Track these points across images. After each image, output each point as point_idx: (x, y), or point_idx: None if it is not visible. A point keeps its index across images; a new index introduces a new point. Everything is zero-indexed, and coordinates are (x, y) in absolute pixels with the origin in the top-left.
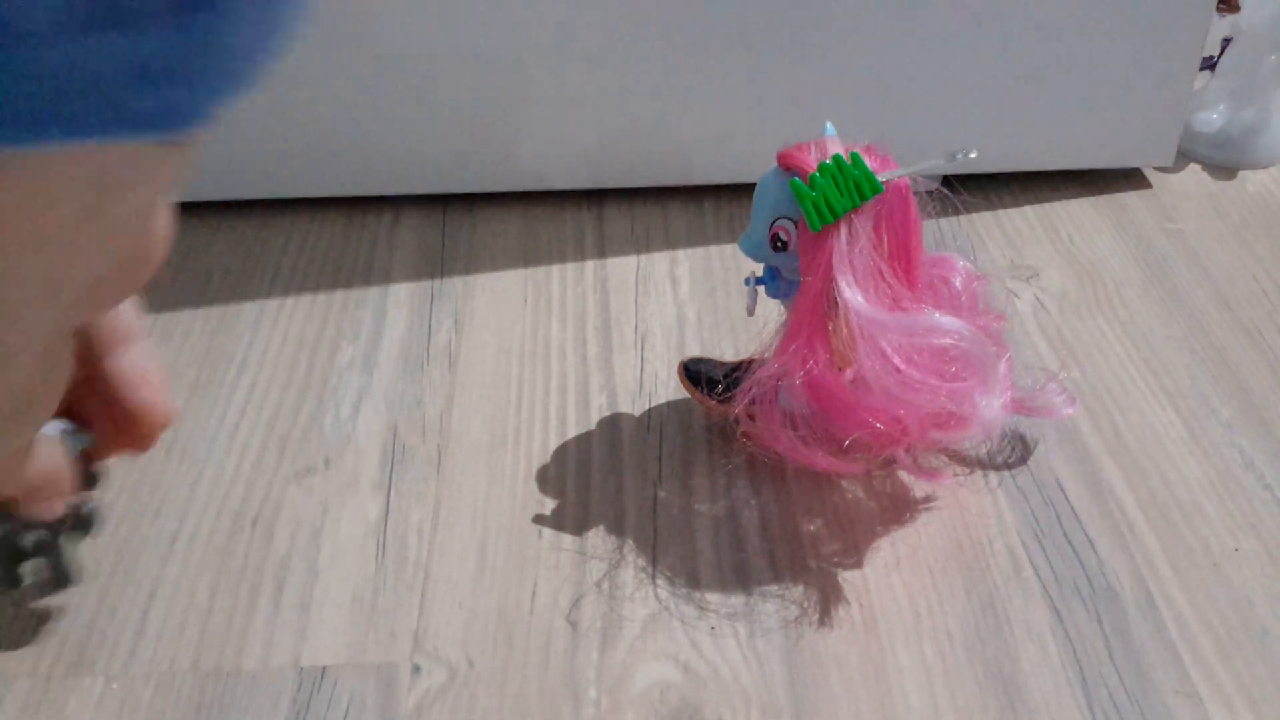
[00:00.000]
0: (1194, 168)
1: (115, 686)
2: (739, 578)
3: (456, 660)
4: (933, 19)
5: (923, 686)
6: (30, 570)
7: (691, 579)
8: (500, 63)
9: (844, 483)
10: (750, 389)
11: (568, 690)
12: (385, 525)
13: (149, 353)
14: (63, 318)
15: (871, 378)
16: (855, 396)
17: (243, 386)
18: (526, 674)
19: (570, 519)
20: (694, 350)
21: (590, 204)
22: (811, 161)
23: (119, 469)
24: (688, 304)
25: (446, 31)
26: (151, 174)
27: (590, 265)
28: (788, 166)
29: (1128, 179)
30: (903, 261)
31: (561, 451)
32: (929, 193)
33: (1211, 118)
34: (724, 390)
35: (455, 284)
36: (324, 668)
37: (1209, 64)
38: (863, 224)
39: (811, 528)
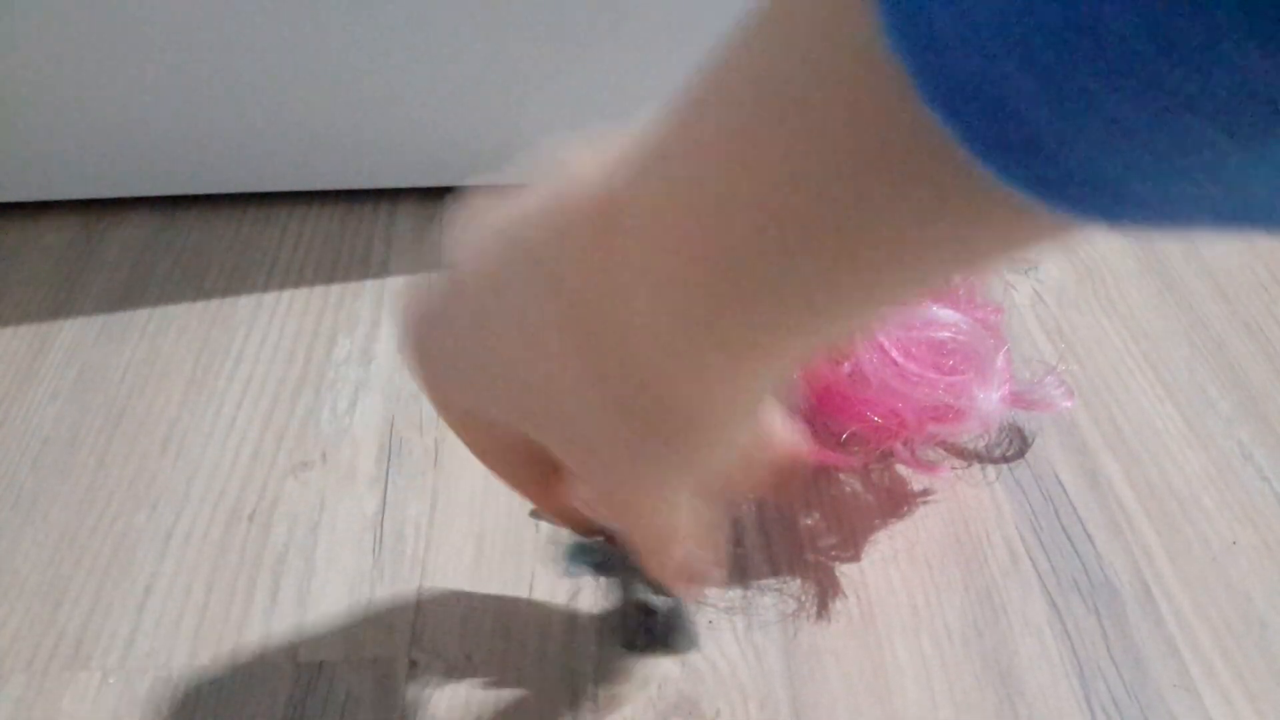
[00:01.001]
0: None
1: (112, 681)
2: (736, 571)
3: (454, 655)
4: None
5: (920, 680)
6: (651, 632)
7: None
8: (498, 55)
9: (841, 476)
10: None
11: (565, 684)
12: (382, 519)
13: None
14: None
15: (869, 370)
16: (853, 390)
17: (239, 380)
18: (524, 668)
19: None
20: None
21: None
22: None
23: (120, 468)
24: None
25: (444, 23)
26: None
27: None
28: None
29: None
30: None
31: None
32: None
33: None
34: None
35: None
36: (321, 662)
37: None
38: None
39: (809, 521)
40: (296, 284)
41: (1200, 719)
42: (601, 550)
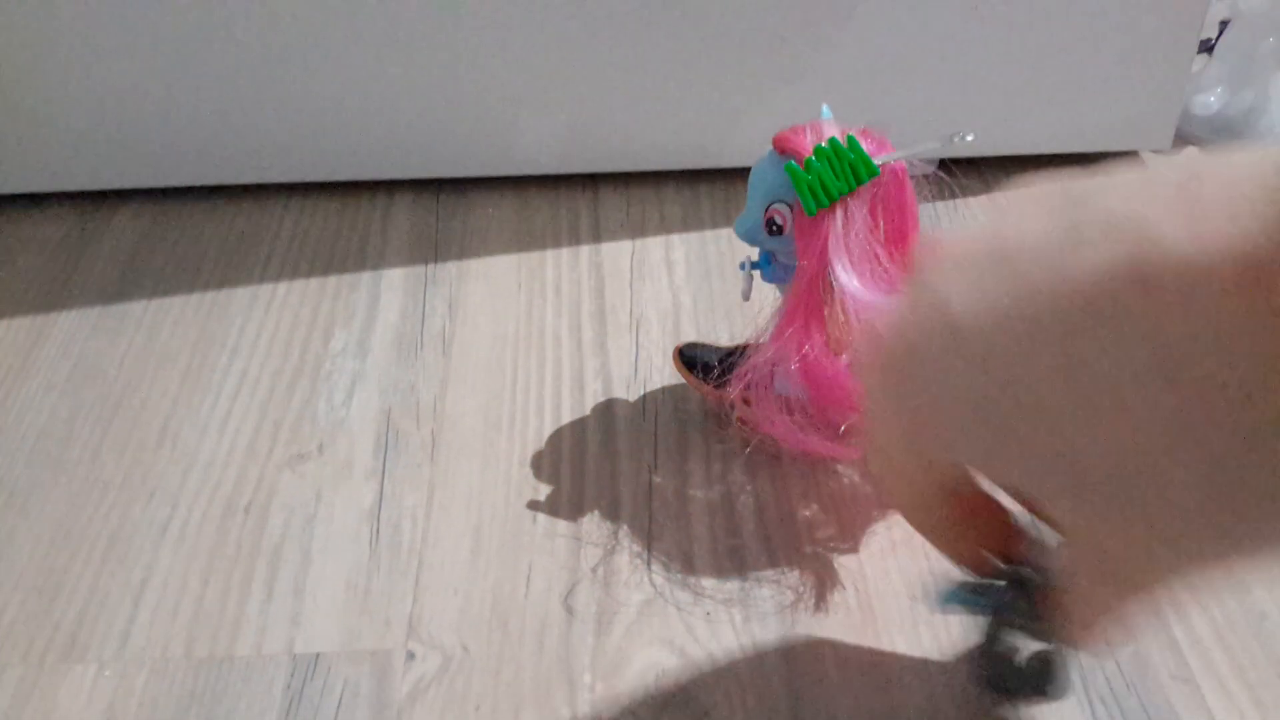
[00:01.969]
0: (1191, 151)
1: (108, 674)
2: (734, 563)
3: (451, 646)
4: (929, 2)
5: (919, 671)
6: (1021, 675)
7: (687, 564)
8: (494, 45)
9: (840, 467)
10: (746, 374)
11: (562, 676)
12: (379, 511)
13: None
14: None
15: None
16: (851, 381)
17: (235, 372)
18: (521, 660)
19: (565, 505)
20: (689, 335)
21: (585, 188)
22: (807, 144)
23: (116, 460)
24: (683, 289)
25: (440, 15)
26: None
27: (585, 250)
28: (783, 150)
29: (1125, 162)
30: (899, 245)
31: (556, 437)
32: (925, 176)
33: (1209, 100)
34: (720, 375)
35: (449, 269)
36: (317, 654)
37: (1207, 46)
38: (859, 207)
39: (807, 512)
40: (293, 276)
41: (1199, 710)
42: (999, 593)
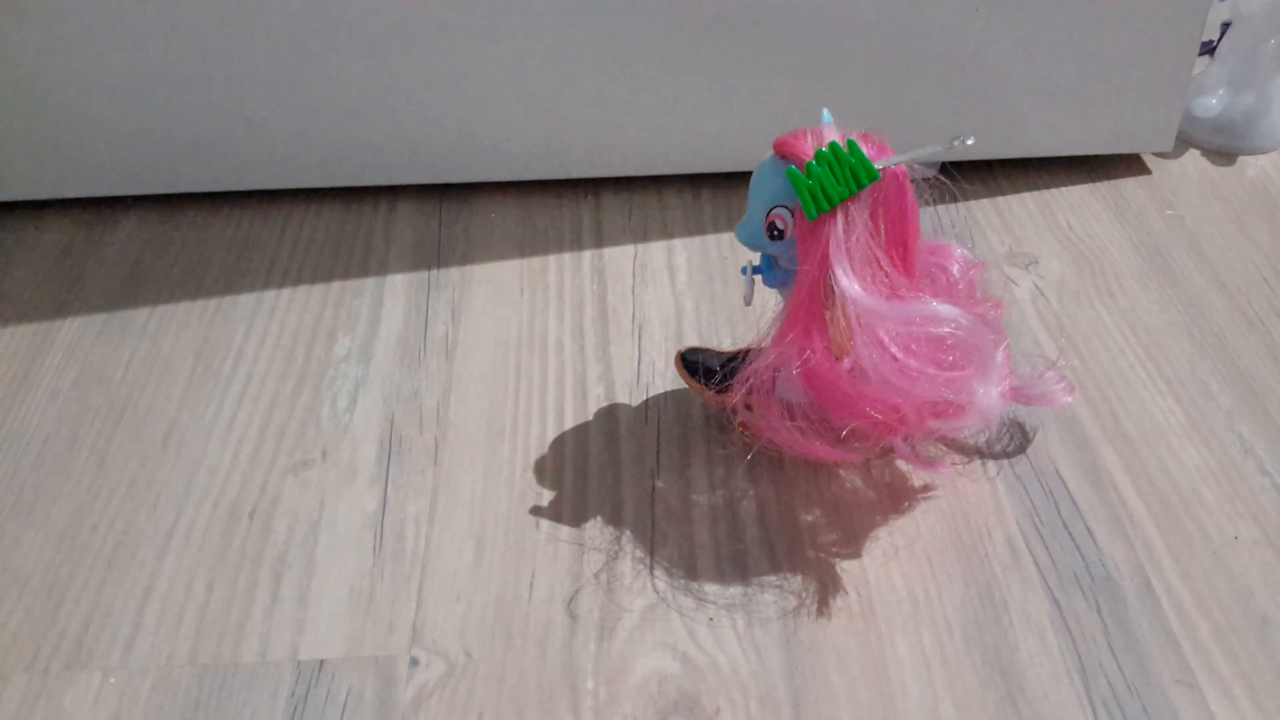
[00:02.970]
0: (1193, 153)
1: (113, 681)
2: (737, 568)
3: (454, 652)
4: (930, 6)
5: (921, 676)
6: None
7: (689, 569)
8: (496, 52)
9: (842, 472)
10: (748, 379)
11: (566, 681)
12: (382, 517)
13: None
14: None
15: (869, 366)
16: (853, 385)
17: (239, 378)
18: (524, 665)
19: (568, 510)
20: (691, 340)
21: (587, 193)
22: (808, 149)
23: (121, 467)
24: (685, 293)
25: (443, 20)
26: None
27: (587, 255)
28: (784, 154)
29: (1127, 165)
30: (900, 249)
31: (559, 442)
32: (926, 180)
33: (1211, 103)
34: (722, 380)
35: (452, 274)
36: (321, 661)
37: (1208, 49)
38: (859, 212)
39: (809, 517)
40: (296, 282)
41: (1202, 714)
42: None
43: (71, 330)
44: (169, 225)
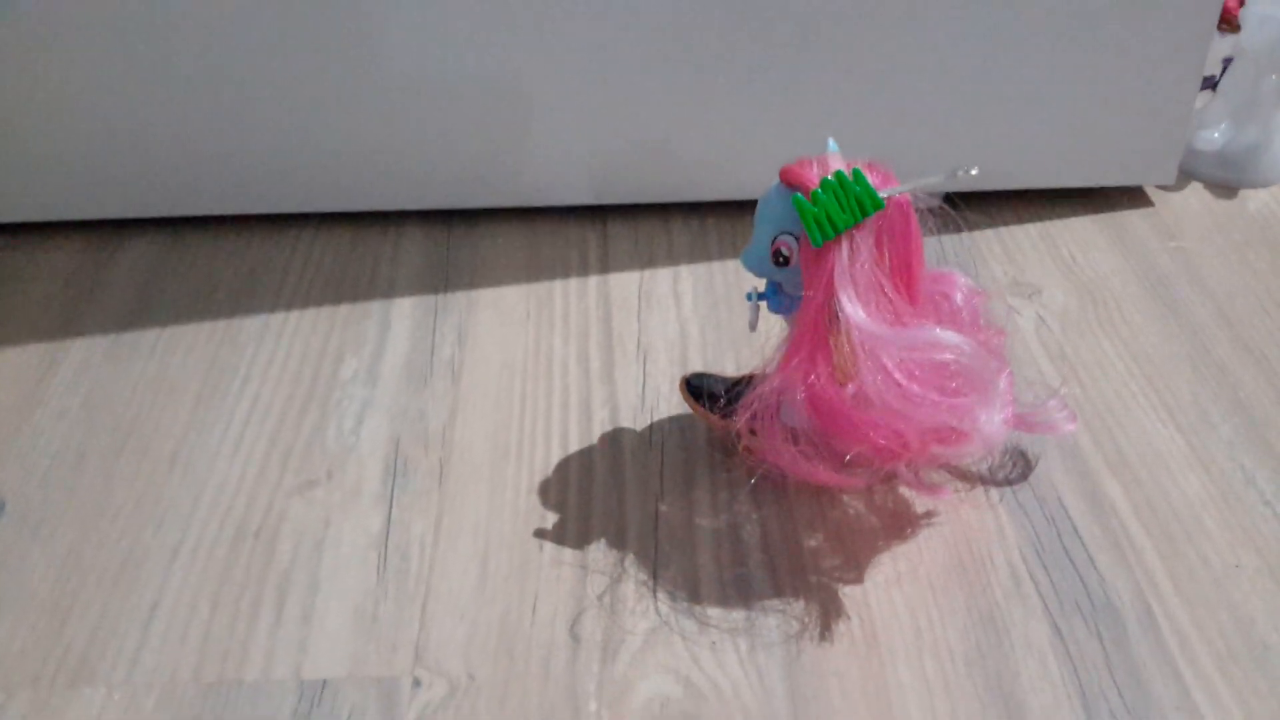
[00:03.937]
0: (1195, 186)
1: (117, 697)
2: (740, 592)
3: (457, 673)
4: (935, 37)
5: (923, 702)
6: None
7: (692, 593)
8: (504, 80)
9: (845, 498)
10: (752, 404)
11: (568, 704)
12: (387, 538)
13: None
14: None
15: (873, 393)
16: (856, 411)
17: (246, 399)
18: (527, 687)
19: (572, 533)
20: (696, 365)
21: (594, 220)
22: (814, 177)
23: (128, 486)
24: (690, 319)
25: (451, 49)
26: None
27: (593, 280)
28: (790, 182)
29: (1129, 197)
30: (904, 277)
31: (563, 465)
32: (930, 209)
33: (1213, 136)
34: (726, 405)
35: (459, 298)
36: (325, 680)
37: (1210, 83)
38: (864, 240)
39: (812, 542)
40: (304, 305)
41: None
42: None
43: (79, 351)
44: (178, 248)
